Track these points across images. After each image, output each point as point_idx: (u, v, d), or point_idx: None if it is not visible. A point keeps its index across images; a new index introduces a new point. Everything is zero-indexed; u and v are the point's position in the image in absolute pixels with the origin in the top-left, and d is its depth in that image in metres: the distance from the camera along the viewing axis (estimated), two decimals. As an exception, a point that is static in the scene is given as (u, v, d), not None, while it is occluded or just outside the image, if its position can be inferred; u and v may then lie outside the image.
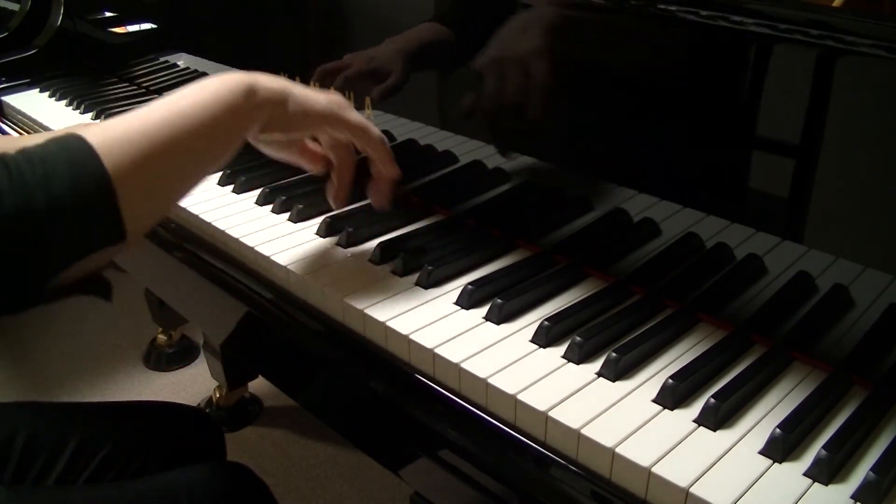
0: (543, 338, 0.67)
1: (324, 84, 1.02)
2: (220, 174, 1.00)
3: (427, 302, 0.73)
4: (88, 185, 0.57)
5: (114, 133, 0.59)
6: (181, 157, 0.63)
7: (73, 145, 0.58)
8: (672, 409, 0.60)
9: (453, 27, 0.86)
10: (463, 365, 0.64)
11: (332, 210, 0.90)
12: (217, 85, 0.66)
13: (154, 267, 1.00)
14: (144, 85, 1.41)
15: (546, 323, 0.67)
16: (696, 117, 0.69)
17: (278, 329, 0.80)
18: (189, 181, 0.66)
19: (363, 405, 0.73)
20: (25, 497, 0.76)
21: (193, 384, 1.88)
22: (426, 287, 0.75)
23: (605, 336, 0.67)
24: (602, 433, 0.57)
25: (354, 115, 0.76)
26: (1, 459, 0.86)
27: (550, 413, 0.59)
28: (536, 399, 0.60)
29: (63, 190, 0.55)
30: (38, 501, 0.76)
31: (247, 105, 0.67)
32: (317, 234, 0.86)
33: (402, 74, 0.90)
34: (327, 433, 1.70)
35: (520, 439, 0.60)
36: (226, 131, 0.66)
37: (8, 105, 1.38)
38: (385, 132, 0.94)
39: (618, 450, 0.55)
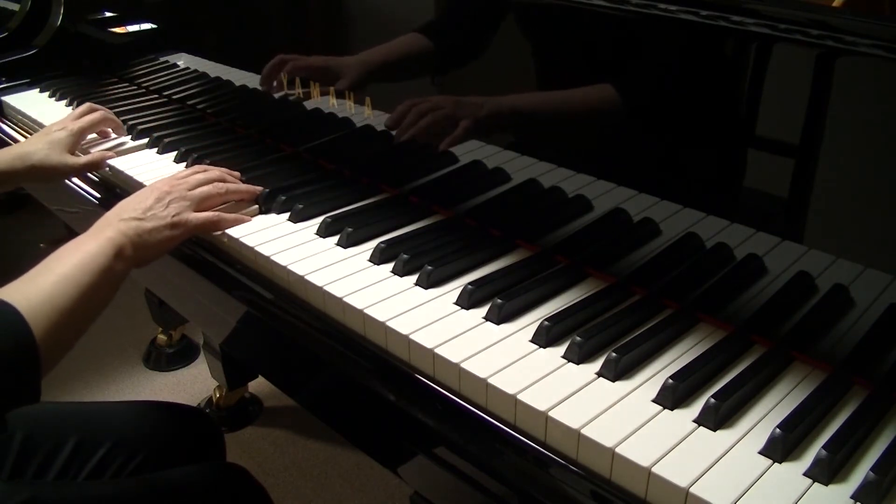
0: (543, 338, 0.67)
1: (276, 69, 1.05)
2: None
3: (427, 302, 0.73)
4: (20, 355, 0.65)
5: (32, 299, 0.68)
6: (81, 309, 0.72)
7: (6, 314, 0.65)
8: (672, 409, 0.60)
9: (435, 39, 0.87)
10: (463, 365, 0.64)
11: (332, 210, 0.90)
12: (91, 248, 0.76)
13: (154, 267, 1.00)
14: (144, 85, 1.41)
15: (546, 323, 0.67)
16: (696, 117, 0.69)
17: (278, 329, 0.80)
18: (87, 325, 0.75)
19: (363, 405, 0.73)
20: (23, 491, 0.76)
21: (193, 384, 1.88)
22: (426, 287, 0.75)
23: (605, 336, 0.67)
24: (602, 433, 0.57)
25: (194, 217, 0.86)
26: (-1, 457, 0.87)
27: (550, 413, 0.59)
28: (536, 399, 0.60)
29: (2, 360, 0.63)
30: (34, 495, 0.76)
31: (118, 262, 0.78)
32: (317, 234, 0.86)
33: (352, 83, 0.96)
34: (327, 433, 1.69)
35: (520, 439, 0.60)
36: (106, 285, 0.76)
37: (8, 105, 1.38)
38: (384, 131, 0.94)
39: (618, 450, 0.55)
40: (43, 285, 0.70)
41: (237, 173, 0.98)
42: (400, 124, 0.92)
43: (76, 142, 1.08)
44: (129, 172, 1.05)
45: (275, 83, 1.08)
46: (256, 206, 0.93)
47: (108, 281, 0.76)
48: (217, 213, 0.88)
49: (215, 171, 0.94)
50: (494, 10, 0.81)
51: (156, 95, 1.38)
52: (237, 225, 0.89)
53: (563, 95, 0.78)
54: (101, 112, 1.14)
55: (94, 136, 1.16)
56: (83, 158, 1.07)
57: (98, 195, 1.08)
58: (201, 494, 0.88)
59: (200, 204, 0.88)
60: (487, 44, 0.83)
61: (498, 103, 0.84)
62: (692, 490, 0.52)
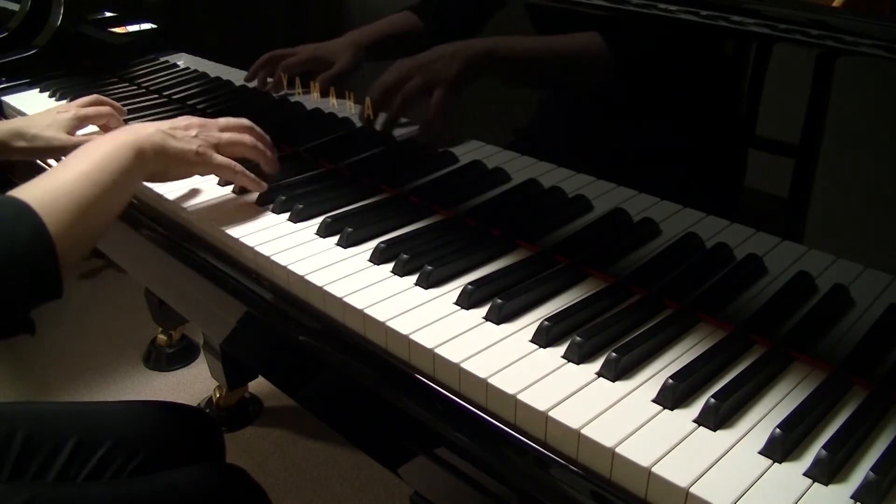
0: (543, 338, 0.67)
1: (268, 70, 1.06)
2: (220, 174, 1.00)
3: (427, 302, 0.73)
4: (37, 249, 0.65)
5: (49, 194, 0.68)
6: (98, 207, 0.73)
7: (20, 212, 0.66)
8: (672, 409, 0.60)
9: (426, 19, 0.87)
10: (463, 365, 0.64)
11: (332, 210, 0.90)
12: (110, 147, 0.77)
13: (154, 267, 1.00)
14: (144, 85, 1.41)
15: (546, 323, 0.67)
16: (696, 117, 0.69)
17: (278, 329, 0.80)
18: (104, 224, 0.76)
19: (363, 405, 0.73)
20: (23, 492, 0.76)
21: (193, 384, 1.88)
22: (426, 287, 0.75)
23: (605, 336, 0.67)
24: (602, 433, 0.57)
25: (217, 156, 0.87)
26: (-1, 458, 0.87)
27: (550, 413, 0.59)
28: (536, 399, 0.60)
29: (18, 254, 0.64)
30: (34, 496, 0.76)
31: (138, 164, 0.79)
32: (317, 234, 0.86)
33: (347, 65, 0.95)
34: (327, 433, 1.69)
35: (520, 439, 0.60)
36: (124, 186, 0.78)
37: (8, 105, 1.38)
38: (384, 131, 0.94)
39: (618, 450, 0.55)
40: (58, 181, 0.71)
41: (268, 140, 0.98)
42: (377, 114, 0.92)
43: (76, 126, 1.10)
44: (129, 172, 1.05)
45: (266, 80, 1.09)
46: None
47: (125, 182, 0.76)
48: (240, 165, 0.89)
49: (244, 120, 0.95)
50: (491, 5, 0.81)
51: (156, 95, 1.38)
52: (254, 188, 0.89)
53: (548, 41, 0.75)
54: (107, 107, 1.15)
55: (96, 129, 1.17)
56: (75, 137, 1.08)
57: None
58: (200, 495, 0.88)
59: (226, 148, 0.89)
60: (477, 30, 0.82)
61: (471, 49, 0.80)
62: (692, 490, 0.52)
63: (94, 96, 1.17)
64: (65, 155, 1.10)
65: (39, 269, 0.66)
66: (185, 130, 0.86)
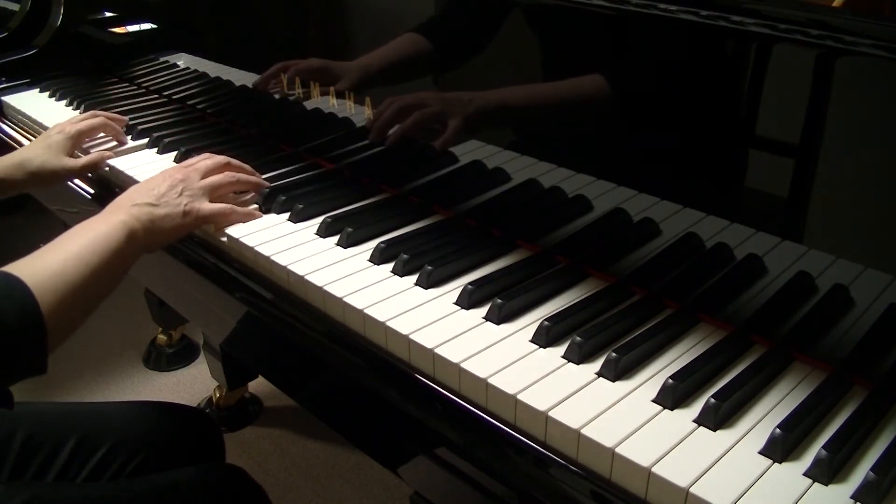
0: (543, 338, 0.67)
1: (276, 74, 1.06)
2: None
3: (427, 302, 0.73)
4: (26, 326, 0.65)
5: (40, 276, 0.68)
6: (89, 288, 0.73)
7: (12, 287, 0.66)
8: (672, 409, 0.60)
9: (434, 39, 0.87)
10: (463, 365, 0.64)
11: (332, 210, 0.90)
12: (101, 230, 0.77)
13: (154, 267, 1.00)
14: (144, 85, 1.41)
15: (546, 323, 0.67)
16: (696, 117, 0.69)
17: (278, 329, 0.80)
18: (95, 305, 0.76)
19: (363, 405, 0.73)
20: (22, 492, 0.76)
21: (193, 384, 1.88)
22: (426, 287, 0.75)
23: (605, 336, 0.67)
24: (602, 433, 0.57)
25: (206, 208, 0.86)
26: (-1, 458, 0.87)
27: (550, 413, 0.59)
28: (536, 399, 0.60)
29: (6, 329, 0.64)
30: (34, 497, 0.76)
31: (129, 244, 0.79)
32: (317, 234, 0.86)
33: (352, 85, 0.97)
34: (327, 433, 1.69)
35: (520, 439, 0.60)
36: (116, 267, 0.77)
37: (8, 105, 1.38)
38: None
39: (618, 450, 0.55)
40: (52, 262, 0.71)
41: (248, 167, 0.98)
42: (383, 124, 0.93)
43: (74, 144, 1.08)
44: (129, 172, 1.05)
45: (271, 85, 1.09)
46: (256, 205, 0.93)
47: (117, 263, 0.76)
48: (230, 206, 0.89)
49: (221, 158, 0.94)
50: (493, 9, 0.81)
51: (156, 95, 1.38)
52: (248, 220, 0.89)
53: (555, 88, 0.77)
54: (101, 118, 1.14)
55: (97, 139, 1.16)
56: (82, 160, 1.07)
57: (98, 195, 1.08)
58: (200, 495, 0.88)
59: (212, 193, 0.89)
60: (486, 42, 0.83)
61: (486, 99, 0.83)
62: (692, 490, 0.52)
63: (89, 112, 1.16)
64: (70, 180, 1.09)
65: (26, 346, 0.66)
66: (168, 192, 0.85)
